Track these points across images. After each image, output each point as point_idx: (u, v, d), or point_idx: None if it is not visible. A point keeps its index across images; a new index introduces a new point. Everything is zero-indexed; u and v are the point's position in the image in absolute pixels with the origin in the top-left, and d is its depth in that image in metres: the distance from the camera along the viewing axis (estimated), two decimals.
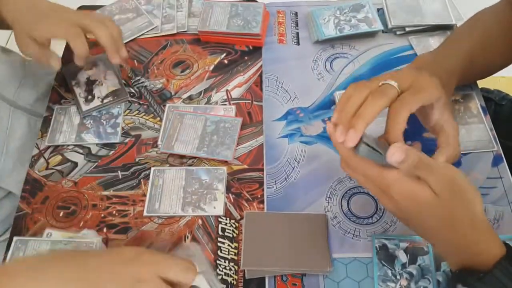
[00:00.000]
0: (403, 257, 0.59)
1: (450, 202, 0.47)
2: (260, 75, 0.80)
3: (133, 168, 0.71)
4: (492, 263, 0.46)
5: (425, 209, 0.47)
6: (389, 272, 0.58)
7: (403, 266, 0.59)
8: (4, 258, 0.60)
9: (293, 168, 0.69)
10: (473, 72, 0.69)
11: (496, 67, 0.72)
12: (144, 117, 0.76)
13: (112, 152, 0.72)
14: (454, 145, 0.56)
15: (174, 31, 0.86)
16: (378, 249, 0.60)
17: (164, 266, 0.50)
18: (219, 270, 0.61)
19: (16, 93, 0.76)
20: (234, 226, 0.65)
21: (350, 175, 0.53)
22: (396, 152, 0.46)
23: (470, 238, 0.48)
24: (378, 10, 0.86)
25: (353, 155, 0.50)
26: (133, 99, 0.78)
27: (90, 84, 0.78)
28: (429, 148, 0.71)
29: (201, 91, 0.79)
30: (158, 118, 0.76)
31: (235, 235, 0.64)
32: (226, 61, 0.83)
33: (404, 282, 0.57)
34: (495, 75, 0.75)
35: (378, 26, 0.83)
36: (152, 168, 0.69)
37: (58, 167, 0.71)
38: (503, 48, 0.70)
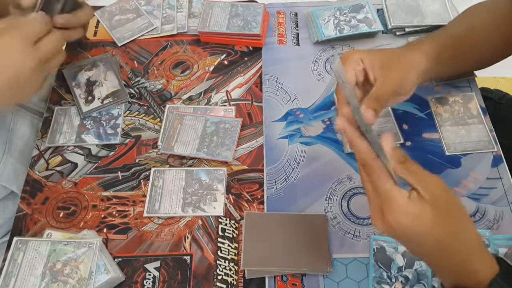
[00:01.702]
0: (400, 261, 0.59)
1: (446, 222, 0.45)
2: (260, 76, 0.80)
3: (133, 169, 0.71)
4: (487, 282, 0.45)
5: (421, 237, 0.45)
6: (385, 274, 0.58)
7: (399, 269, 0.59)
8: (4, 259, 0.60)
9: (293, 169, 0.70)
10: (459, 57, 0.68)
11: (485, 59, 0.72)
12: (144, 118, 0.76)
13: (112, 153, 0.72)
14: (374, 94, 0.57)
15: (174, 32, 0.86)
16: (375, 250, 0.60)
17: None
18: (219, 270, 0.61)
19: None
20: (234, 226, 0.65)
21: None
22: (366, 111, 0.51)
23: (464, 256, 0.47)
24: (378, 10, 0.86)
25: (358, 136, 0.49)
26: (133, 100, 0.78)
27: (90, 85, 0.78)
28: (429, 149, 0.72)
29: (201, 92, 0.79)
30: (158, 119, 0.76)
31: (235, 235, 0.64)
32: (226, 62, 0.83)
33: (399, 286, 0.57)
34: (495, 75, 0.75)
35: (378, 26, 0.83)
36: (152, 169, 0.69)
37: (58, 168, 0.71)
38: (493, 39, 0.69)
